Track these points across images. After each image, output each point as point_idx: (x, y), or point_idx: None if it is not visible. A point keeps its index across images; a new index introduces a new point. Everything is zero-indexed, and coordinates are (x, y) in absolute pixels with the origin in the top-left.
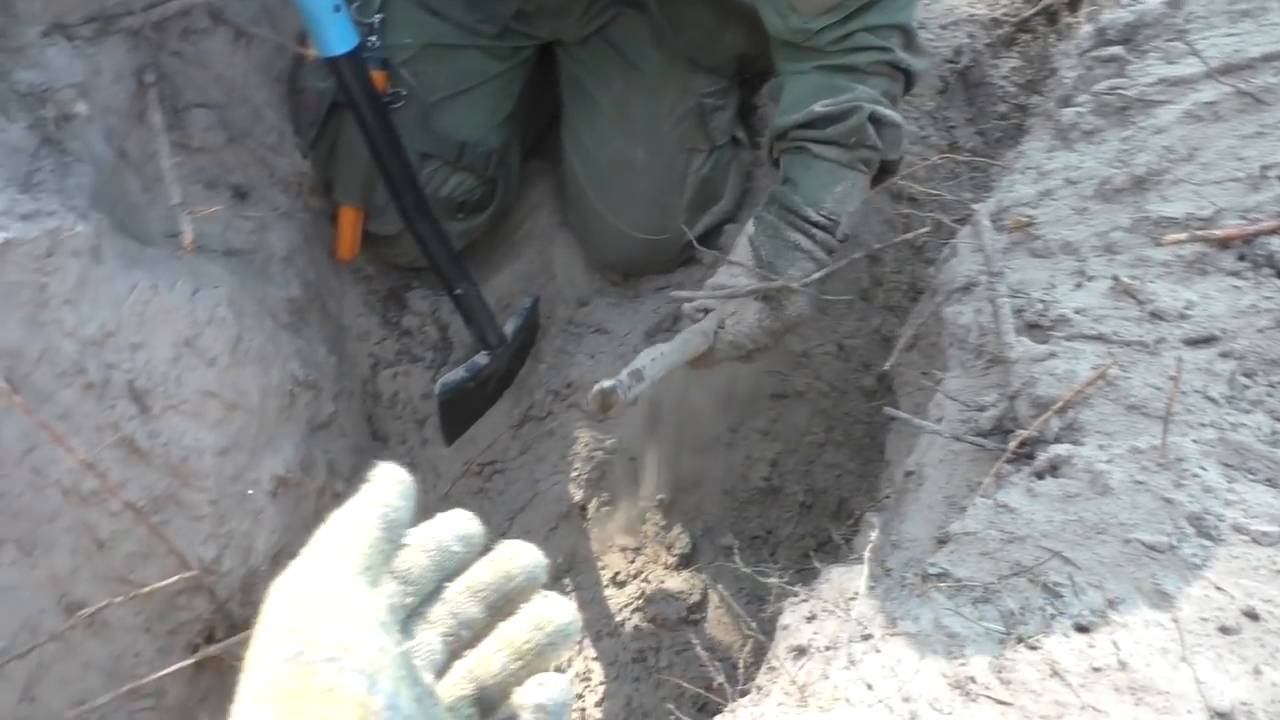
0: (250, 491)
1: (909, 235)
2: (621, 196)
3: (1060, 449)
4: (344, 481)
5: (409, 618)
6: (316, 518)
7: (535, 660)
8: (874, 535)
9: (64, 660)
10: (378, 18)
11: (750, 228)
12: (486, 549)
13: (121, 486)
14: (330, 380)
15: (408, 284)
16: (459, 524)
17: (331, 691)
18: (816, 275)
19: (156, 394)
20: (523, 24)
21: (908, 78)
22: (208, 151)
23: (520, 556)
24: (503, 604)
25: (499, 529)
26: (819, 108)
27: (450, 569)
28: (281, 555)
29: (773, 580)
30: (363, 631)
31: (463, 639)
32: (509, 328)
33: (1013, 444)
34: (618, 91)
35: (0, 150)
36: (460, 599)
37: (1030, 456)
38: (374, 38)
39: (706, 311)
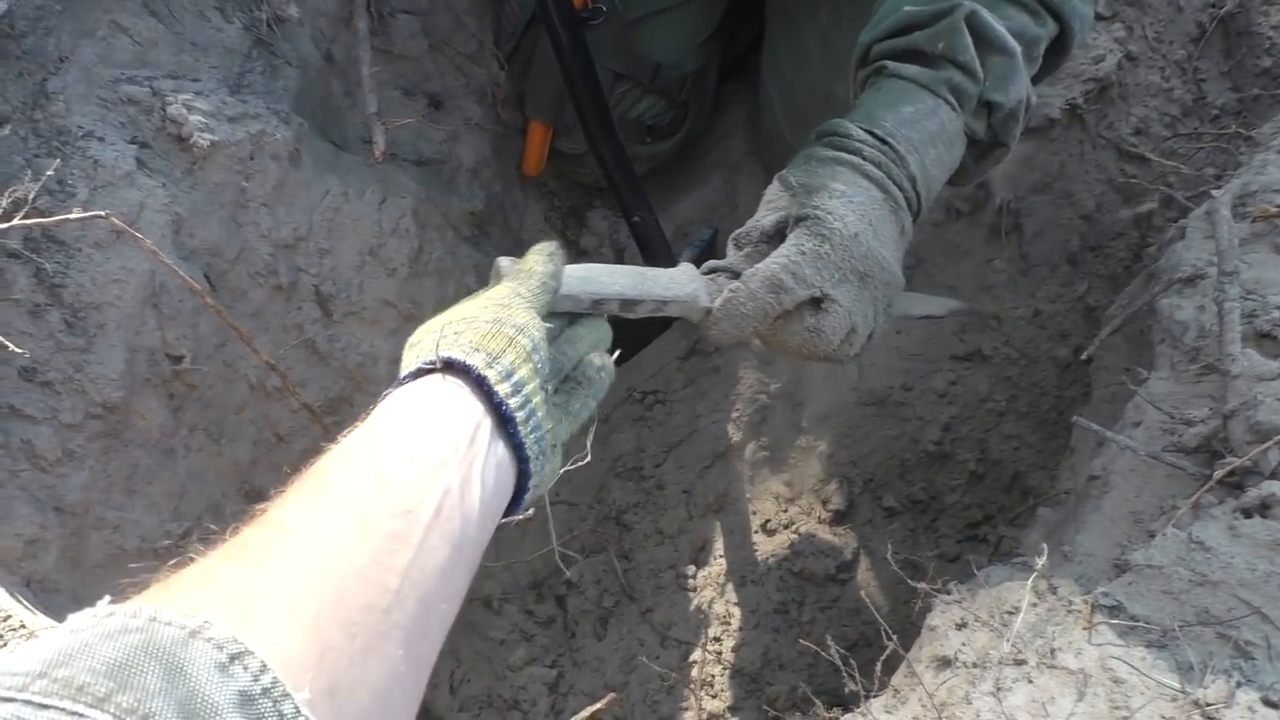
0: None
1: (1132, 209)
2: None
3: (1277, 486)
4: None
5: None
6: None
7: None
8: (1044, 547)
9: None
10: None
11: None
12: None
13: (301, 386)
14: None
15: (589, 203)
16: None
17: (514, 340)
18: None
19: (339, 300)
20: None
21: (1061, 32)
22: (408, 59)
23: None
24: None
25: (654, 459)
26: (909, 7)
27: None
28: None
29: (921, 586)
30: (525, 316)
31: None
32: (684, 257)
33: (1220, 471)
34: (823, 22)
35: (216, 50)
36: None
37: (1239, 488)
38: None
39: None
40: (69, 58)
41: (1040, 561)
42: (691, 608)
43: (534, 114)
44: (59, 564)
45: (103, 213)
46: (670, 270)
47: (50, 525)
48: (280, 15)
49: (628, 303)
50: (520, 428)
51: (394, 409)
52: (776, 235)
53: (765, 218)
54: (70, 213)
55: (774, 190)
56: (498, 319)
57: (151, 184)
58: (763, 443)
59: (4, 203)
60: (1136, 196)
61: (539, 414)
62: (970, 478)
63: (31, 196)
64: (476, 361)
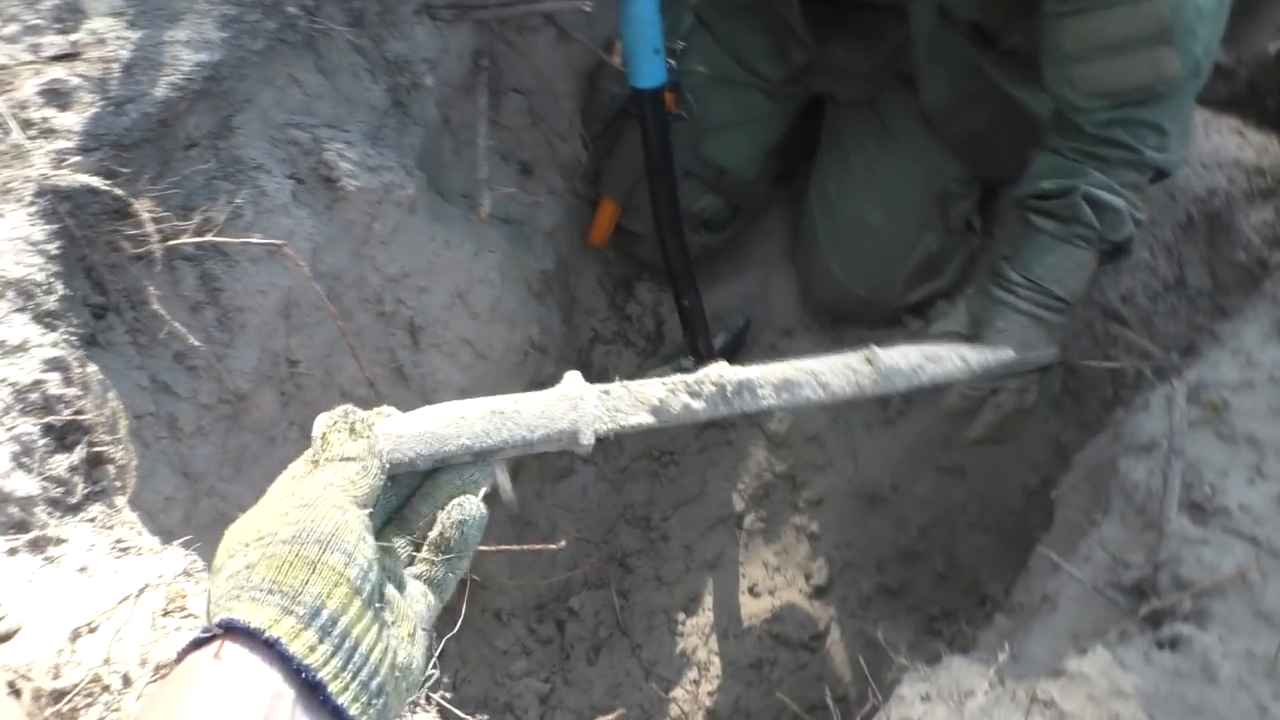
0: None
1: (1108, 364)
2: (850, 252)
3: (1184, 628)
4: None
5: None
6: (521, 461)
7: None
8: (1006, 645)
9: None
10: (681, 45)
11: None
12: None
13: (383, 401)
14: (557, 346)
15: (640, 275)
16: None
17: (317, 564)
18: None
19: (427, 332)
20: (807, 76)
21: (1158, 172)
22: (512, 130)
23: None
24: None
25: (663, 513)
26: (1045, 184)
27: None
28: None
29: (900, 660)
30: (334, 518)
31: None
32: (718, 341)
33: (1144, 610)
34: (871, 154)
35: (363, 106)
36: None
37: (1157, 625)
38: (674, 61)
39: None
40: (252, 100)
41: (1002, 657)
42: (677, 650)
43: (608, 192)
44: (181, 521)
45: (279, 241)
46: (544, 395)
47: (180, 487)
48: (417, 82)
49: (482, 453)
50: (331, 686)
51: (161, 702)
52: (942, 337)
53: (941, 325)
54: (243, 235)
55: (954, 308)
56: (298, 534)
57: (301, 214)
58: (761, 515)
59: (196, 219)
60: (1115, 355)
61: (364, 650)
62: (937, 577)
63: (222, 219)
64: (265, 618)
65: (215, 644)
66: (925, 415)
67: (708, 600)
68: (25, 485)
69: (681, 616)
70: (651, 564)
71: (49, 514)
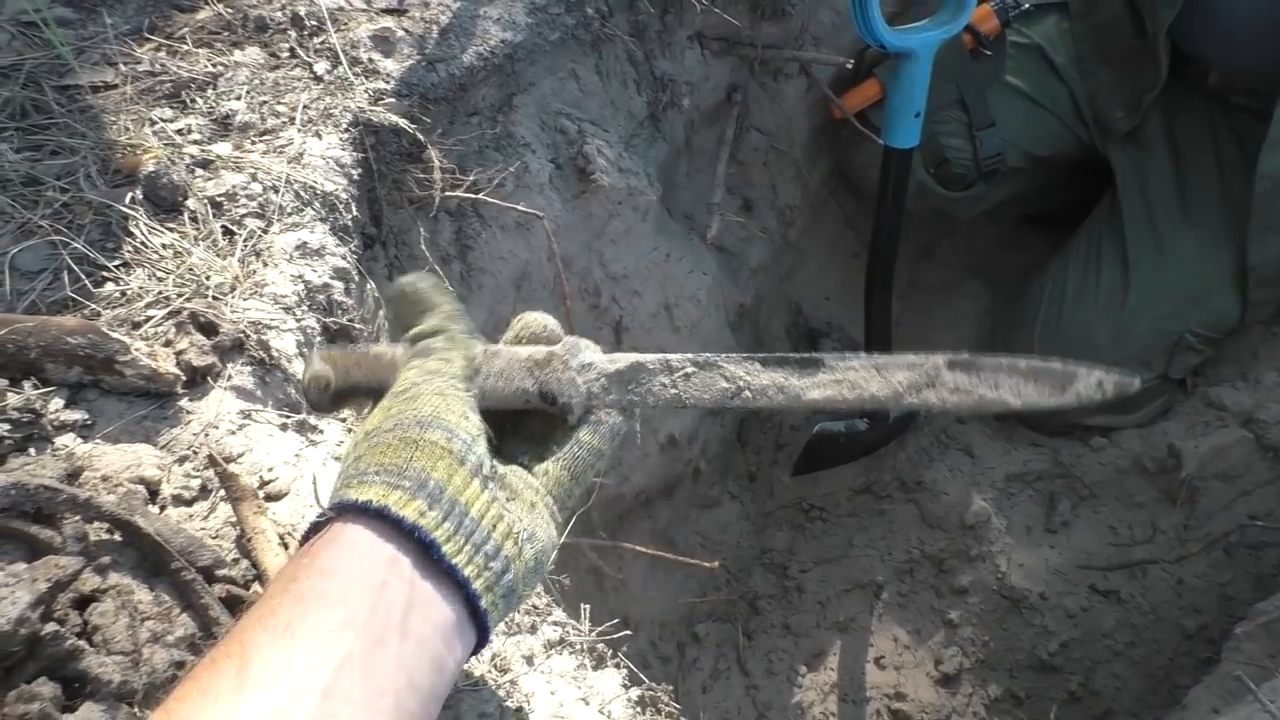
0: (640, 441)
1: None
2: (1058, 356)
3: None
4: (707, 462)
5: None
6: (679, 481)
7: None
8: None
9: None
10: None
11: None
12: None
13: None
14: None
15: (827, 332)
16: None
17: (419, 441)
18: None
19: (630, 334)
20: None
21: None
22: (744, 166)
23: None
24: None
25: (802, 565)
26: None
27: None
28: (643, 495)
29: None
30: (449, 406)
31: None
32: (893, 413)
33: None
34: (1119, 277)
35: (624, 113)
36: None
37: None
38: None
39: None
40: (535, 84)
41: None
42: (793, 700)
43: (881, 75)
44: None
45: (539, 213)
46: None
47: None
48: (675, 101)
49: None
50: (446, 547)
51: (283, 580)
52: None
53: None
54: (508, 201)
55: None
56: (399, 422)
57: (553, 197)
58: (901, 590)
59: (472, 176)
60: None
61: (475, 515)
62: (1069, 697)
63: (494, 180)
64: (374, 494)
65: (329, 526)
66: (1091, 531)
67: (832, 660)
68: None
69: (803, 669)
70: (782, 611)
71: None
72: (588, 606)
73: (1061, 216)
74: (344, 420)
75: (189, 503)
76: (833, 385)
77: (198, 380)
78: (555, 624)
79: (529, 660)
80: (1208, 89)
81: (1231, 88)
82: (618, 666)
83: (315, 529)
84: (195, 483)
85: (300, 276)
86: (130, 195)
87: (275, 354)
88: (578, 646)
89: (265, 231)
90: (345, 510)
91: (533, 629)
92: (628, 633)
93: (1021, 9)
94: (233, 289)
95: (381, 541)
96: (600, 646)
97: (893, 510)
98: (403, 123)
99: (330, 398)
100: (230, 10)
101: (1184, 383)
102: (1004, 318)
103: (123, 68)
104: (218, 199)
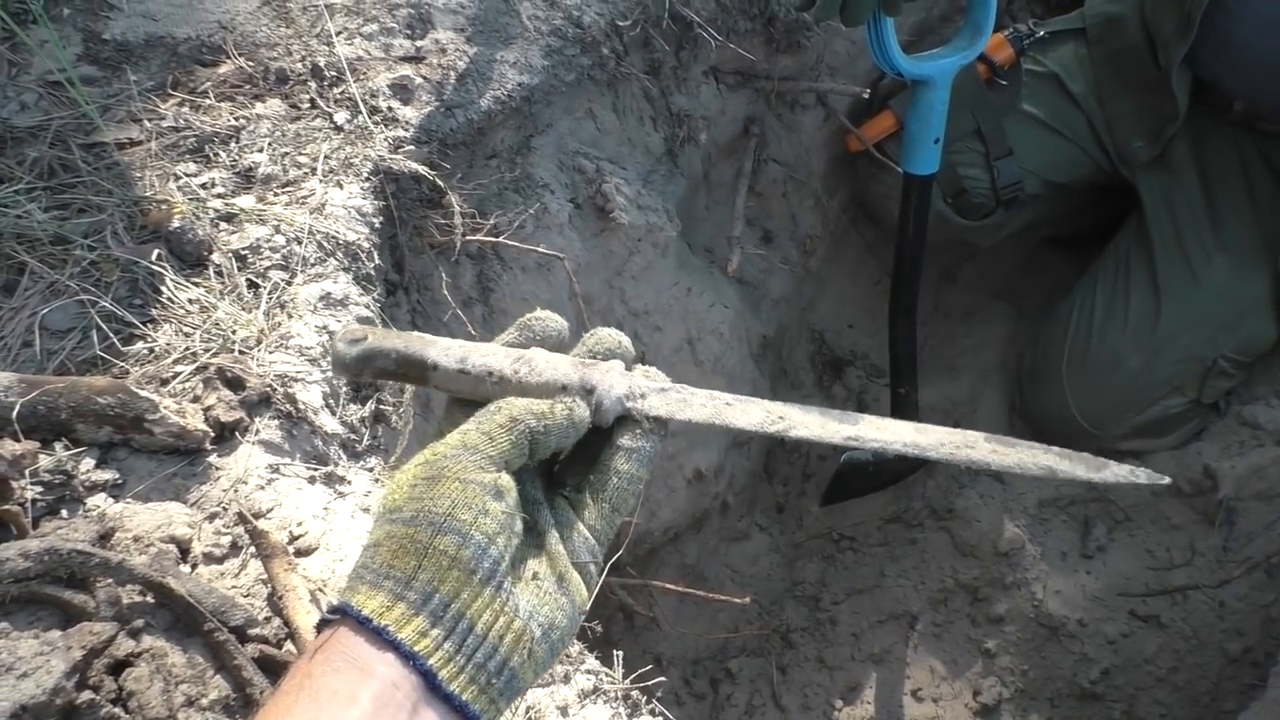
0: (667, 477)
1: None
2: (1091, 383)
3: None
4: (735, 494)
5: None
6: (706, 515)
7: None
8: None
9: None
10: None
11: None
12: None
13: None
14: None
15: (851, 360)
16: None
17: (429, 548)
18: None
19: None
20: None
21: None
22: (763, 198)
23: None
24: None
25: (834, 597)
26: None
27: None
28: (671, 530)
29: None
30: (469, 499)
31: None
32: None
33: None
34: (1149, 301)
35: (640, 149)
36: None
37: None
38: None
39: None
40: (552, 125)
41: None
42: None
43: (896, 107)
44: None
45: (560, 254)
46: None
47: None
48: (692, 136)
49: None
50: (443, 673)
51: (285, 695)
52: None
53: None
54: (528, 243)
55: None
56: (415, 515)
57: (573, 236)
58: (937, 619)
59: (492, 220)
60: None
61: (480, 630)
62: None
63: (514, 222)
64: (377, 605)
65: (329, 630)
66: (1128, 556)
67: (869, 693)
68: (329, 424)
69: (839, 703)
70: (815, 645)
71: (340, 454)
72: (620, 653)
73: (1084, 238)
74: (370, 470)
75: (220, 560)
76: (872, 428)
77: (226, 435)
78: (589, 672)
79: (563, 711)
80: (1233, 116)
81: (1258, 116)
82: (653, 713)
83: (324, 624)
84: (226, 540)
85: (325, 327)
86: (156, 251)
87: (302, 406)
88: (611, 695)
89: (289, 283)
90: (349, 616)
91: (566, 678)
92: (662, 679)
93: (1037, 37)
94: (258, 342)
95: (385, 657)
96: (634, 694)
97: (924, 539)
98: (422, 169)
99: (357, 356)
100: (251, 63)
101: (1216, 405)
102: (1029, 343)
103: (147, 124)
104: (242, 252)
